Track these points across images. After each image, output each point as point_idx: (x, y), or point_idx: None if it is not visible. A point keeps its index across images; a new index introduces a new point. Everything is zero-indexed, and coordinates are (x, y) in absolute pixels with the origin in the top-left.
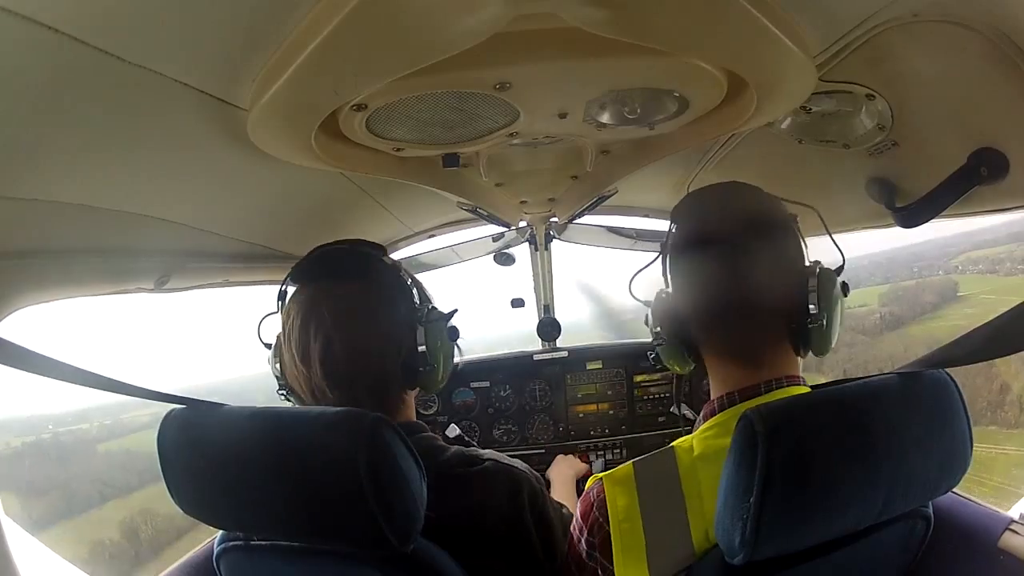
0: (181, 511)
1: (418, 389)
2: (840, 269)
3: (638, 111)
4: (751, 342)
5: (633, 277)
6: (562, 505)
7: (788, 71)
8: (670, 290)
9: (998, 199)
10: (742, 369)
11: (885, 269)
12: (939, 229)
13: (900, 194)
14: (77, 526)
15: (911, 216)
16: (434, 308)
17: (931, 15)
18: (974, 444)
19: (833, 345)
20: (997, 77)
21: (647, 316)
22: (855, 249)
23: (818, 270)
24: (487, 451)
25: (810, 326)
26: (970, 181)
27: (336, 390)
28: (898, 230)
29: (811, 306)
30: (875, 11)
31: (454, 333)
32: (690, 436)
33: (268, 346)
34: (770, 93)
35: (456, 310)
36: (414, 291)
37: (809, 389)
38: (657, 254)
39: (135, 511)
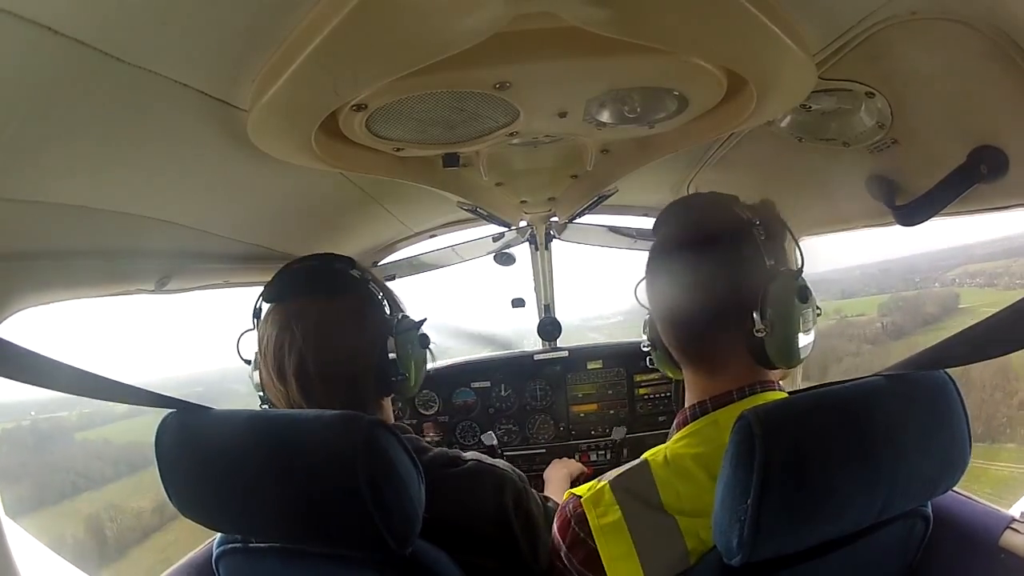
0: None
1: (392, 395)
2: (799, 272)
3: (638, 110)
4: (710, 351)
5: (637, 285)
6: (546, 499)
7: (788, 69)
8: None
9: (998, 197)
10: (709, 377)
11: (879, 280)
12: (934, 243)
13: (900, 192)
14: (48, 517)
15: (911, 214)
16: (405, 317)
17: (930, 13)
18: (989, 462)
19: (800, 355)
20: (996, 74)
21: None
22: (846, 259)
23: (768, 277)
24: (469, 452)
25: (757, 334)
26: (970, 179)
27: (313, 405)
28: (890, 241)
29: (755, 313)
30: (874, 9)
31: (425, 340)
32: (663, 447)
33: (248, 362)
34: (770, 91)
35: (426, 319)
36: (384, 301)
37: (787, 394)
38: None
39: (106, 505)
